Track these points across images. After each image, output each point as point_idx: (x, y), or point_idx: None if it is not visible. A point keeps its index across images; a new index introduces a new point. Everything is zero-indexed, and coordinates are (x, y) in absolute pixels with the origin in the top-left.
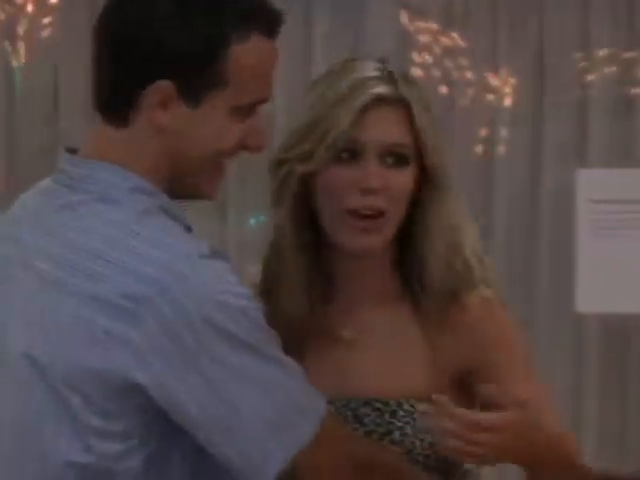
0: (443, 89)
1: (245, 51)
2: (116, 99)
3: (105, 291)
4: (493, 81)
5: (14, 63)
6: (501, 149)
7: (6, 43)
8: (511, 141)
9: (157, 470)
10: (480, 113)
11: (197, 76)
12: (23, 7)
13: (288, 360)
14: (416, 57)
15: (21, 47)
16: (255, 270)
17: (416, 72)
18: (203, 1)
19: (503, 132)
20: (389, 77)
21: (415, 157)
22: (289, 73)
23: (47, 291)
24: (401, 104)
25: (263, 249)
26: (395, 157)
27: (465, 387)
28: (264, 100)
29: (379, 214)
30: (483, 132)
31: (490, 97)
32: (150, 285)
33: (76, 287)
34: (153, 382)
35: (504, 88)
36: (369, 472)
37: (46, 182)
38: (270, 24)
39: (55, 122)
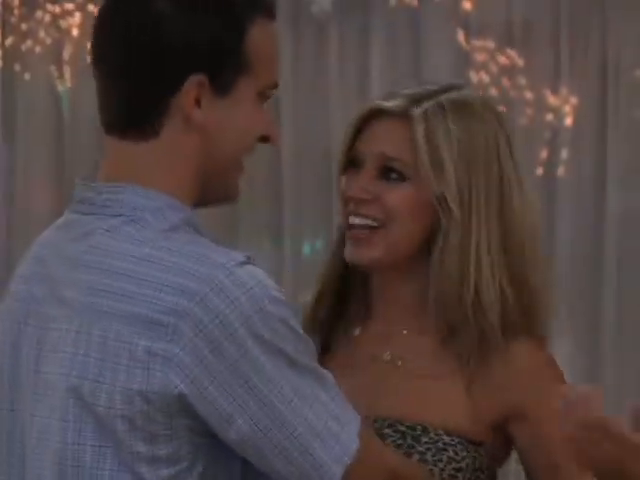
0: (501, 109)
1: (258, 33)
2: (141, 111)
3: (142, 309)
4: (553, 100)
5: (60, 88)
6: (561, 171)
7: (52, 67)
8: (573, 162)
9: None
10: (540, 133)
11: (225, 64)
12: (68, 31)
13: (325, 372)
14: (473, 76)
15: (67, 71)
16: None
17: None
18: None
19: (564, 153)
20: (409, 94)
21: (421, 175)
22: (346, 94)
23: (82, 319)
24: (403, 119)
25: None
26: (390, 171)
27: (500, 431)
28: (277, 84)
29: (371, 228)
30: (543, 153)
31: (550, 117)
32: (188, 297)
33: (111, 309)
34: (197, 394)
35: (564, 107)
36: None
37: (62, 218)
38: (268, 6)
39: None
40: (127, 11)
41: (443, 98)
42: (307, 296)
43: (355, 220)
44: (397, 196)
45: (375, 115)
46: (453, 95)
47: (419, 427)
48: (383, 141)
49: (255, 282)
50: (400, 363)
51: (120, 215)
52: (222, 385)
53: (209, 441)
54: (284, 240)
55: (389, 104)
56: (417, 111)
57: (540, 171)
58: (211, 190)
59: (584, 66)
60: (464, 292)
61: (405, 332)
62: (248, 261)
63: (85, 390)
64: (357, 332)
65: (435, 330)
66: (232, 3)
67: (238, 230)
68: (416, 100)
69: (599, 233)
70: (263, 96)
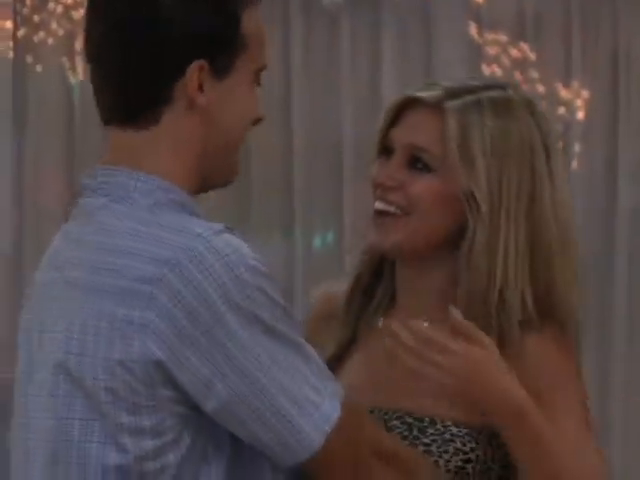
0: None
1: (251, 16)
2: (141, 101)
3: (121, 280)
4: (565, 94)
5: (72, 79)
6: (574, 164)
7: (64, 59)
8: (585, 156)
9: (194, 470)
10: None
11: (224, 47)
12: (81, 23)
13: (305, 344)
14: (485, 69)
15: (79, 63)
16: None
17: None
18: None
19: (576, 147)
20: (441, 85)
21: (450, 168)
22: (358, 86)
23: (74, 296)
24: (437, 110)
25: (329, 269)
26: (420, 160)
27: None
28: (266, 66)
29: (394, 215)
30: None
31: (562, 110)
32: (164, 265)
33: (98, 284)
34: (174, 361)
35: (576, 101)
36: (389, 464)
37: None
38: None
39: None
40: (122, 4)
41: (484, 95)
42: (334, 286)
43: (380, 205)
44: (421, 186)
45: (410, 104)
46: (493, 93)
47: (427, 419)
48: (414, 131)
49: (231, 250)
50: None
51: (109, 195)
52: (198, 351)
53: (195, 414)
54: (295, 232)
55: (424, 94)
56: (452, 104)
57: None
58: (214, 173)
59: (596, 59)
60: (489, 293)
61: (426, 324)
62: (226, 230)
63: (71, 364)
64: (380, 323)
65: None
66: None
67: (249, 222)
68: (454, 93)
69: (610, 227)
70: (257, 78)
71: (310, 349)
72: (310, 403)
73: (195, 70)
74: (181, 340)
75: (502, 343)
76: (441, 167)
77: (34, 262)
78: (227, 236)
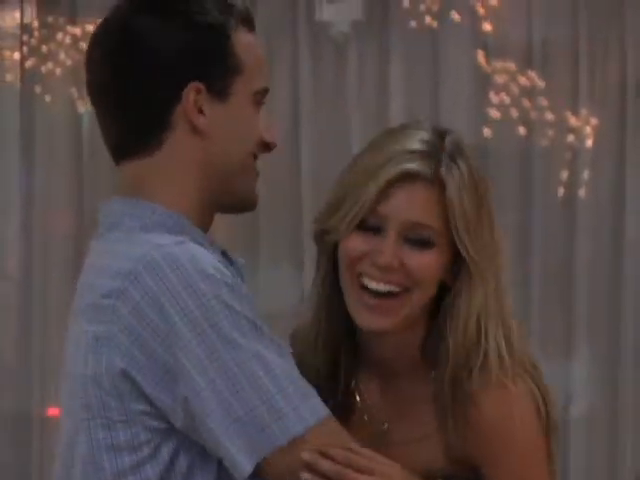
0: (521, 130)
1: (242, 38)
2: (142, 132)
3: (95, 297)
4: (573, 121)
5: (81, 109)
6: (582, 192)
7: (72, 89)
8: (593, 183)
9: None
10: (560, 154)
11: (218, 68)
12: None
13: (266, 352)
14: (494, 97)
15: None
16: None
17: (494, 113)
18: (186, 3)
19: (585, 174)
20: (432, 152)
21: (446, 240)
22: (366, 114)
23: (73, 320)
24: (436, 183)
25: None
26: (418, 237)
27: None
28: (268, 88)
29: (393, 294)
30: (564, 175)
31: (571, 138)
32: (124, 278)
33: (82, 304)
34: (138, 371)
35: (585, 128)
36: None
37: None
38: (245, 16)
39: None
40: (109, 42)
41: (453, 152)
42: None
43: (381, 287)
44: (423, 263)
45: (399, 178)
46: (452, 145)
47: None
48: (411, 207)
49: (187, 259)
50: (386, 426)
51: (105, 224)
52: (157, 362)
53: (171, 427)
54: (305, 263)
55: (418, 167)
56: (449, 175)
57: (561, 192)
58: (222, 196)
59: (604, 87)
60: (473, 355)
61: (389, 378)
62: (188, 241)
63: (67, 384)
64: (352, 384)
65: (420, 372)
66: (213, 11)
67: (259, 253)
68: (434, 158)
69: (618, 254)
70: (258, 99)
71: (276, 359)
72: (258, 417)
73: (191, 92)
74: (142, 351)
75: (460, 397)
76: (439, 240)
77: (42, 288)
78: (188, 245)
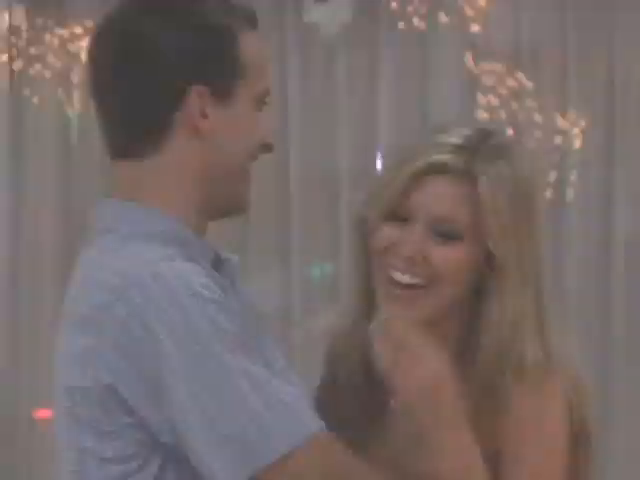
0: (509, 131)
1: (247, 40)
2: (142, 132)
3: (82, 309)
4: (562, 123)
5: (69, 111)
6: (570, 193)
7: (61, 91)
8: (581, 185)
9: None
10: (548, 156)
11: (222, 71)
12: (77, 56)
13: (255, 369)
14: (482, 99)
15: (75, 96)
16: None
17: (482, 114)
18: (190, 3)
19: (573, 175)
20: (468, 146)
21: (477, 237)
22: (354, 115)
23: (63, 329)
24: (467, 177)
25: (327, 298)
26: (445, 230)
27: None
28: (269, 90)
29: (417, 287)
30: (552, 176)
31: (559, 139)
32: (112, 292)
33: (71, 313)
34: (124, 385)
35: (573, 130)
36: None
37: None
38: (249, 16)
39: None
40: (115, 41)
41: (493, 150)
42: (319, 318)
43: (406, 279)
44: (449, 256)
45: (428, 170)
46: (494, 142)
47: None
48: (439, 200)
49: (174, 275)
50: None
51: (98, 228)
52: (143, 377)
53: (159, 441)
54: (292, 263)
55: (448, 159)
56: (481, 169)
57: (549, 193)
58: (219, 200)
59: (592, 88)
60: (510, 356)
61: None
62: (178, 257)
63: (58, 393)
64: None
65: (461, 380)
66: (216, 12)
67: (246, 253)
68: (473, 153)
69: (607, 254)
70: (260, 102)
71: (264, 375)
72: (244, 434)
73: (194, 96)
74: (128, 367)
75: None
76: (467, 235)
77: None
78: (176, 262)
